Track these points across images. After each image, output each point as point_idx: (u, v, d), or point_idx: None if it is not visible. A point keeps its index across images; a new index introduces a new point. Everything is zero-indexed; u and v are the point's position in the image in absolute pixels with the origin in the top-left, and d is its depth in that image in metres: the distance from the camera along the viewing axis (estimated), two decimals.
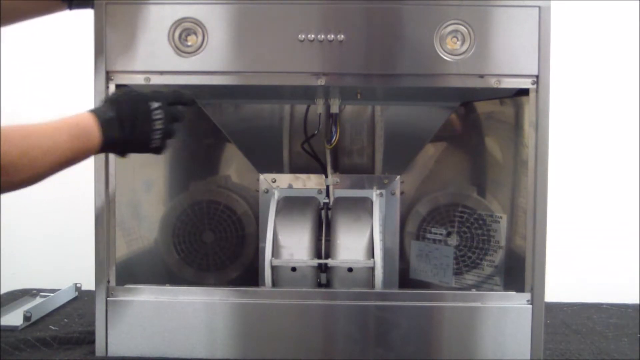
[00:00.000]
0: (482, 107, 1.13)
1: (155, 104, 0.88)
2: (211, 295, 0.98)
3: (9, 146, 0.73)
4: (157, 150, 0.91)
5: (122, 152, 0.89)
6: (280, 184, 1.25)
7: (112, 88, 0.97)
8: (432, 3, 0.95)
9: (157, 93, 0.90)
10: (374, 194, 1.12)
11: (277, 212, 1.08)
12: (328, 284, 1.06)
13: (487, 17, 0.95)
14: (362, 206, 1.11)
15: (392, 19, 0.95)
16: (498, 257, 1.11)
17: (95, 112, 0.84)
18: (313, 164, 1.22)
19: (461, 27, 0.95)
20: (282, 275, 1.04)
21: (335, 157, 1.24)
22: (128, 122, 0.86)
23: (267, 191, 1.25)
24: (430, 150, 1.22)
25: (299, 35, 0.95)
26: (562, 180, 1.62)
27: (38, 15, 0.97)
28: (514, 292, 0.98)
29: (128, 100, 0.87)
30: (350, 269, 1.03)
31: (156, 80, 0.97)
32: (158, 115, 0.88)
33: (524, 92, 0.97)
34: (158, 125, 0.88)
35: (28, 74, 1.69)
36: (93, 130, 0.82)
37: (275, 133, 1.23)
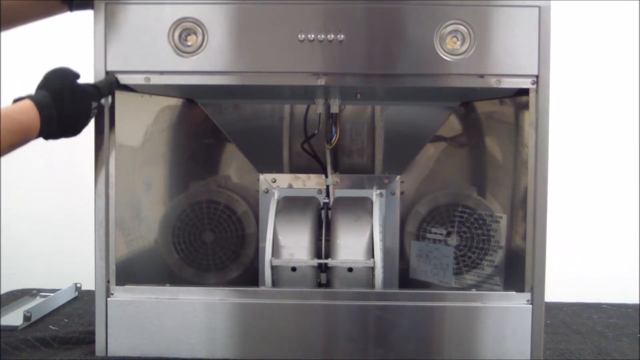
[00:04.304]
0: (482, 107, 1.13)
1: (95, 104, 0.91)
2: (211, 295, 0.98)
3: None
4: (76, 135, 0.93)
5: (48, 138, 0.89)
6: (280, 184, 1.25)
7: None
8: (432, 3, 0.95)
9: (96, 91, 0.92)
10: (374, 194, 1.12)
11: (277, 212, 1.08)
12: (328, 284, 1.06)
13: (487, 17, 0.95)
14: (362, 206, 1.11)
15: (392, 19, 0.95)
16: (498, 257, 1.11)
17: (36, 103, 0.84)
18: (313, 164, 1.22)
19: (461, 27, 0.95)
20: (282, 275, 1.04)
21: (335, 157, 1.24)
22: (68, 119, 0.88)
23: (267, 191, 1.25)
24: (430, 150, 1.22)
25: (299, 35, 0.95)
26: (562, 180, 1.62)
27: (39, 18, 0.97)
28: (514, 292, 0.98)
29: (72, 98, 0.88)
30: (350, 269, 1.03)
31: (156, 80, 0.97)
32: (94, 113, 0.92)
33: (524, 92, 0.97)
34: (89, 121, 0.92)
35: (28, 75, 1.69)
36: (32, 123, 0.83)
37: (275, 133, 1.23)
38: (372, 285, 1.03)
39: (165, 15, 0.96)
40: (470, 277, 1.15)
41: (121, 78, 0.97)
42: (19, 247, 1.73)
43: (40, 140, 0.88)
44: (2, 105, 0.82)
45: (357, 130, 1.24)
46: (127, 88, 1.00)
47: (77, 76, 0.91)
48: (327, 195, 1.20)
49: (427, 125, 1.19)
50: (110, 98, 0.97)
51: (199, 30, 0.96)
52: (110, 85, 0.96)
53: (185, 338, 0.98)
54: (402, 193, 1.25)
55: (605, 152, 1.69)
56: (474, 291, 1.03)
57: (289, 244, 1.04)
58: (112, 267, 0.99)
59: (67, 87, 0.88)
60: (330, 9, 0.95)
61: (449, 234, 1.18)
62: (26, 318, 1.14)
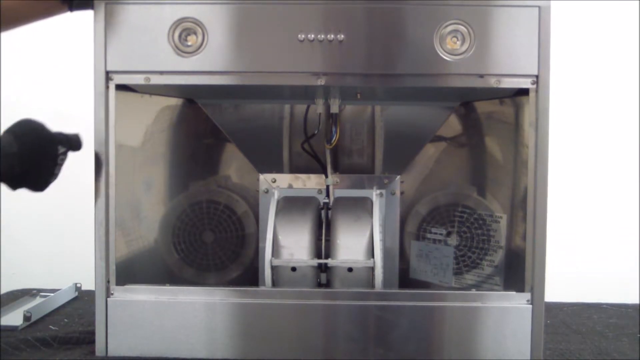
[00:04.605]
0: (482, 107, 1.13)
1: (62, 149, 0.88)
2: (211, 295, 0.98)
3: None
4: (43, 189, 0.90)
5: (13, 187, 0.87)
6: (280, 184, 1.25)
7: (112, 88, 0.97)
8: (432, 3, 0.95)
9: (64, 137, 0.89)
10: (374, 194, 1.12)
11: (277, 212, 1.08)
12: (328, 284, 1.06)
13: (487, 17, 0.95)
14: (362, 206, 1.11)
15: (392, 19, 0.95)
16: (498, 257, 1.11)
17: None
18: (313, 164, 1.22)
19: (461, 27, 0.95)
20: (282, 275, 1.04)
21: (335, 157, 1.24)
22: (31, 162, 0.85)
23: (267, 191, 1.25)
24: (430, 150, 1.22)
25: (299, 35, 0.95)
26: (562, 180, 1.62)
27: (39, 18, 0.97)
28: (514, 292, 0.98)
29: (36, 139, 0.85)
30: (350, 269, 1.03)
31: (156, 80, 0.97)
32: (62, 160, 0.88)
33: (524, 92, 0.97)
34: (57, 170, 0.89)
35: (28, 75, 1.70)
36: None
37: (275, 133, 1.23)
38: (372, 285, 1.03)
39: (165, 15, 0.96)
40: (470, 277, 1.15)
41: (121, 78, 0.97)
42: (19, 247, 1.73)
43: None
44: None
45: (357, 130, 1.24)
46: (127, 88, 1.00)
47: (44, 124, 0.89)
48: (327, 195, 1.20)
49: (427, 125, 1.19)
50: (109, 98, 0.97)
51: (199, 30, 0.96)
52: (77, 139, 0.93)
53: (185, 338, 0.98)
54: (402, 193, 1.25)
55: (606, 152, 1.69)
56: (474, 291, 1.03)
57: (289, 244, 1.04)
58: (112, 267, 0.99)
59: (33, 128, 0.87)
60: (330, 9, 0.95)
61: (449, 234, 1.18)
62: (26, 318, 1.14)
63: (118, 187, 0.99)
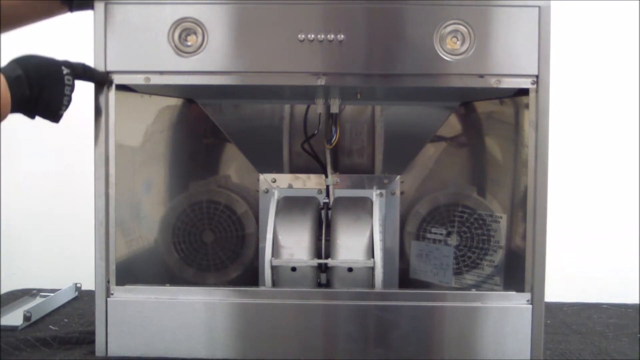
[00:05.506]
0: (482, 107, 1.13)
1: (66, 70, 0.89)
2: (211, 295, 0.98)
3: None
4: (58, 118, 0.91)
5: (30, 113, 0.88)
6: (280, 184, 1.25)
7: (112, 88, 0.97)
8: (432, 3, 0.95)
9: (68, 62, 0.91)
10: (374, 194, 1.12)
11: (277, 212, 1.08)
12: (328, 284, 1.06)
13: (487, 17, 0.95)
14: (362, 206, 1.11)
15: (392, 19, 0.95)
16: (498, 257, 1.11)
17: (2, 70, 0.84)
18: (313, 164, 1.22)
19: (461, 27, 0.95)
20: (282, 275, 1.04)
21: (335, 157, 1.24)
22: (37, 82, 0.86)
23: (267, 191, 1.25)
24: (430, 150, 1.22)
25: (299, 35, 0.95)
26: (562, 180, 1.62)
27: (39, 19, 0.97)
28: (514, 292, 0.98)
29: (37, 62, 0.87)
30: (350, 269, 1.03)
31: (156, 80, 0.97)
32: (68, 81, 0.89)
33: (524, 92, 0.97)
34: (67, 91, 0.89)
35: None
36: (2, 90, 0.82)
37: (275, 133, 1.23)
38: (372, 285, 1.03)
39: (165, 15, 0.96)
40: (470, 277, 1.15)
41: (121, 78, 0.97)
42: (19, 247, 1.73)
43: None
44: None
45: (357, 130, 1.24)
46: (127, 88, 1.00)
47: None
48: (327, 195, 1.20)
49: (427, 125, 1.19)
50: (109, 98, 0.97)
51: (199, 30, 0.96)
52: (85, 68, 0.93)
53: (185, 338, 0.98)
54: (402, 193, 1.25)
55: (605, 151, 1.69)
56: (474, 291, 1.03)
57: (289, 244, 1.04)
58: (112, 267, 0.99)
59: (33, 55, 0.88)
60: (330, 9, 0.95)
61: (449, 234, 1.18)
62: (26, 318, 1.14)
63: (118, 187, 0.99)
